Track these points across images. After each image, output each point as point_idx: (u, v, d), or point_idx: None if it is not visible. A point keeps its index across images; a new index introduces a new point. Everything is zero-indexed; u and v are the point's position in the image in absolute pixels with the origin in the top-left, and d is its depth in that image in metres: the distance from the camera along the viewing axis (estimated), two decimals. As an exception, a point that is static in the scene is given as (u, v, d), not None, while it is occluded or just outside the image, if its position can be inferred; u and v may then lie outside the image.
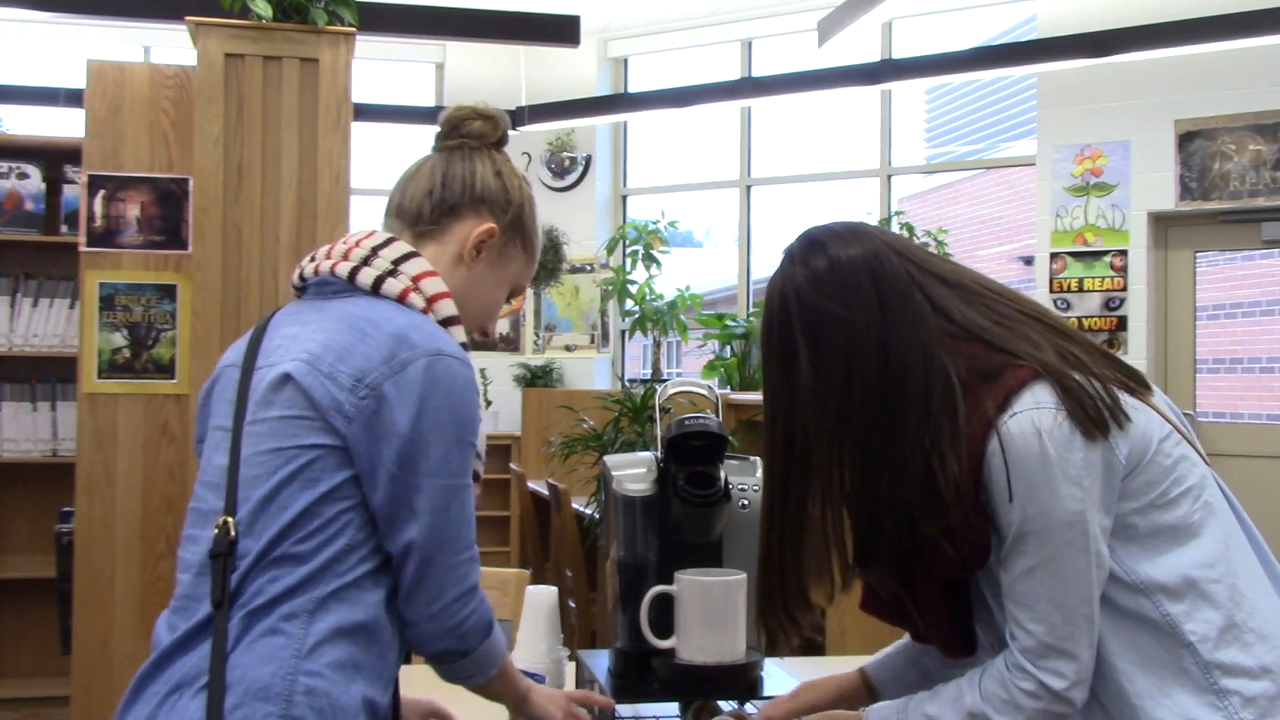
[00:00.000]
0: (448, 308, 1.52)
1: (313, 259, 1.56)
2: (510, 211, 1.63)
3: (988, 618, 1.51)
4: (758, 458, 1.88)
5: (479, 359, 4.76)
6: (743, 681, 1.72)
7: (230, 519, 1.40)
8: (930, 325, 1.44)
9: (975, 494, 1.38)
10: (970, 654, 1.54)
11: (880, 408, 1.42)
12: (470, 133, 1.64)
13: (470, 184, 1.61)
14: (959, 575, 1.46)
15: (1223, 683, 1.37)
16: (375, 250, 1.53)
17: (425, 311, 1.50)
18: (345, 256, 1.53)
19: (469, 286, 1.60)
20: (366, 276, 1.50)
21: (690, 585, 1.70)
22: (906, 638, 1.68)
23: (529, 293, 8.21)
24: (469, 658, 1.48)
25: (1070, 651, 1.38)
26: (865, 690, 1.71)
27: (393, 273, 1.51)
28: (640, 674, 1.78)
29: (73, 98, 5.92)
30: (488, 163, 1.64)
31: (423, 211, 1.60)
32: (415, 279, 1.51)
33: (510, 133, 1.70)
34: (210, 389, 1.57)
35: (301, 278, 1.58)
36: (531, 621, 1.82)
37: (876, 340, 1.43)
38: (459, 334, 1.52)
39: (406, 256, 1.53)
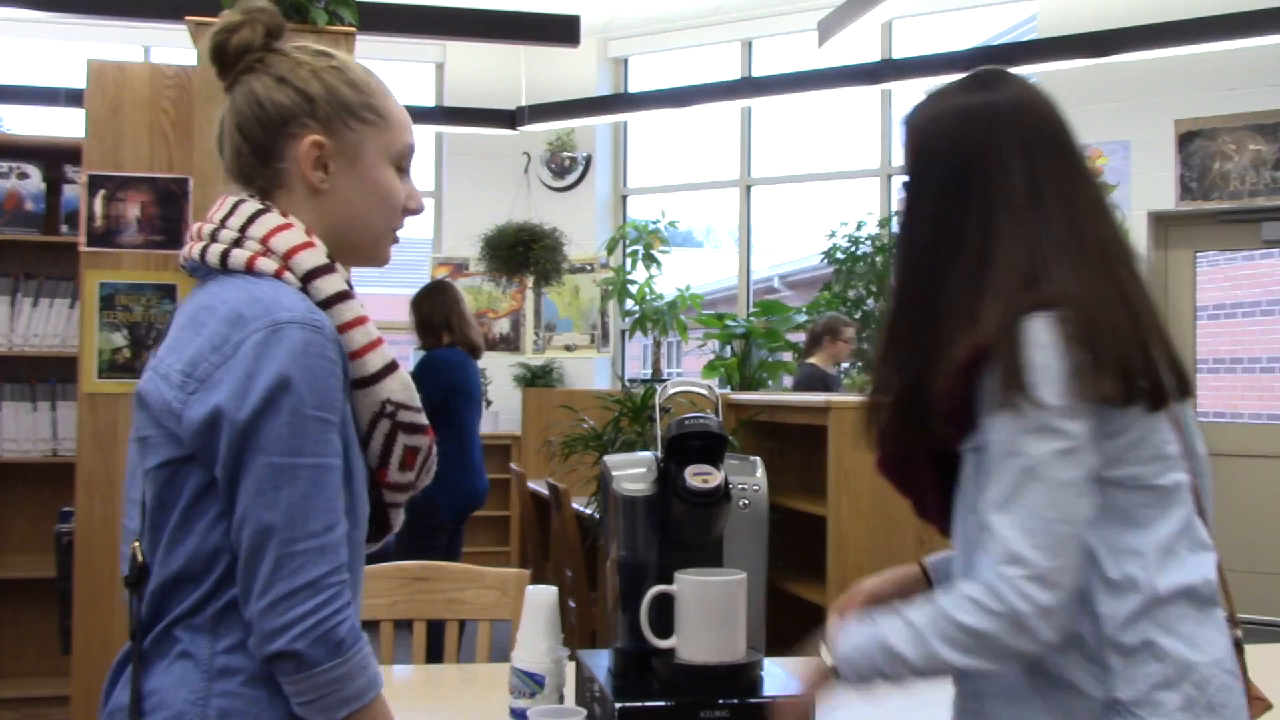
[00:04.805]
0: (309, 259, 1.37)
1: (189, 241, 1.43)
2: (317, 107, 1.41)
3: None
4: (758, 457, 1.88)
5: (480, 361, 4.80)
6: (743, 681, 1.72)
7: (138, 543, 1.37)
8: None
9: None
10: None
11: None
12: (238, 52, 1.44)
13: (261, 115, 1.41)
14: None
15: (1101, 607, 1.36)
16: (224, 222, 1.39)
17: (280, 273, 1.35)
18: (198, 236, 1.40)
19: (346, 205, 1.42)
20: (214, 254, 1.37)
21: (690, 585, 1.70)
22: None
23: (529, 292, 8.21)
24: (307, 677, 1.26)
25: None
26: (925, 582, 1.65)
27: (239, 241, 1.37)
28: (640, 674, 1.78)
29: (73, 98, 5.93)
30: (265, 78, 1.43)
31: (245, 170, 1.43)
32: (264, 239, 1.36)
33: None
34: None
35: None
36: (531, 621, 1.82)
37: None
38: (331, 283, 1.37)
39: (253, 217, 1.39)
